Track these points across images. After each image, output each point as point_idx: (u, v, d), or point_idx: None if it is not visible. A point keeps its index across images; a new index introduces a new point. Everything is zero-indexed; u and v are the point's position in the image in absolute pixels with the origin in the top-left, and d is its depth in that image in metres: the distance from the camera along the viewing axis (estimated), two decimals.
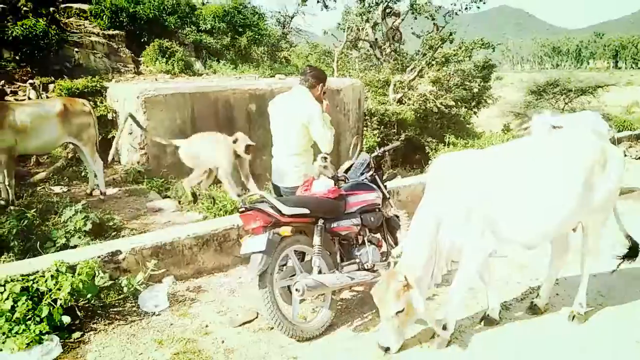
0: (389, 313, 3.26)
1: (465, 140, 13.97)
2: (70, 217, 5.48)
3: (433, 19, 16.62)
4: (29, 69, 9.31)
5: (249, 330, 3.65)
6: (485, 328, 3.72)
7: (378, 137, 13.75)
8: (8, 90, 8.73)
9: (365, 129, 13.79)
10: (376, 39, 16.64)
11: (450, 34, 15.81)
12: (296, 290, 3.38)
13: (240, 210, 3.53)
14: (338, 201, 3.82)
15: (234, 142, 5.82)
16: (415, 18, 17.33)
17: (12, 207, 5.90)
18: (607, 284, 4.39)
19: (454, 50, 15.55)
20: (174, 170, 7.83)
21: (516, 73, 55.14)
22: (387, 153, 4.64)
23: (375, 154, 4.46)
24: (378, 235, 4.24)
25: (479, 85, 19.68)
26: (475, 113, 21.63)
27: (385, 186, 4.46)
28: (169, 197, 7.08)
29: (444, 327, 3.48)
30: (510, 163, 3.54)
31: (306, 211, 3.55)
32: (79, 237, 5.17)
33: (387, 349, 3.30)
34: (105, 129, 8.39)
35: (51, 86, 9.03)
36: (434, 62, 15.33)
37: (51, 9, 10.31)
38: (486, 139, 13.91)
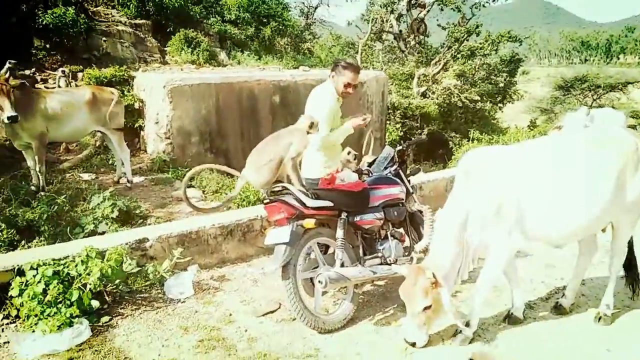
0: (417, 309, 3.26)
1: (489, 136, 13.83)
2: (98, 204, 5.61)
3: (459, 11, 16.39)
4: (58, 57, 9.50)
5: (271, 320, 3.70)
6: (508, 327, 3.70)
7: (401, 131, 13.70)
8: (38, 78, 8.92)
9: (388, 122, 13.73)
10: (400, 31, 16.50)
11: (477, 27, 15.60)
12: (319, 282, 3.42)
13: (264, 201, 3.56)
14: (361, 194, 3.82)
15: None
16: (442, 9, 17.13)
17: (42, 193, 6.03)
18: None
19: (480, 44, 15.32)
20: (199, 160, 7.93)
21: (543, 67, 54.05)
22: (410, 147, 4.61)
23: (399, 148, 4.44)
24: (401, 230, 4.23)
25: (504, 79, 19.43)
26: (500, 108, 21.37)
27: (409, 180, 4.45)
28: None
29: (467, 324, 3.48)
30: (541, 159, 3.49)
31: (330, 204, 3.57)
32: (107, 224, 5.29)
33: (413, 344, 3.32)
34: (132, 118, 8.53)
35: (80, 74, 9.20)
36: (459, 55, 15.14)
37: None
38: (512, 135, 13.73)
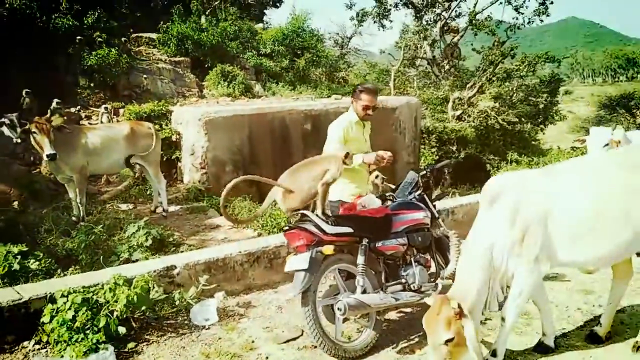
0: (438, 341, 3.16)
1: (529, 158, 13.50)
2: (133, 233, 5.79)
3: (493, 34, 16.28)
4: (101, 94, 10.02)
5: (293, 348, 3.68)
6: (538, 356, 3.55)
7: (436, 155, 13.58)
8: (83, 115, 9.42)
9: (422, 146, 13.65)
10: (434, 56, 16.51)
11: (512, 49, 15.42)
12: (338, 309, 3.40)
13: (284, 229, 3.60)
14: (383, 220, 3.81)
15: None
16: (475, 34, 17.07)
17: (82, 223, 6.30)
18: None
19: (516, 65, 15.12)
20: (233, 189, 8.09)
21: (587, 87, 52.54)
22: (435, 171, 4.58)
23: (423, 172, 4.42)
24: (427, 256, 4.17)
25: (545, 100, 19.05)
26: (542, 129, 20.87)
27: (434, 205, 4.40)
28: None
29: (494, 354, 3.36)
30: (569, 182, 3.39)
31: (349, 230, 3.57)
32: (141, 252, 5.45)
33: None
34: (169, 150, 8.85)
35: (121, 110, 9.66)
36: (494, 78, 14.97)
37: (123, 39, 11.03)
38: (552, 156, 13.36)
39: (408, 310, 4.29)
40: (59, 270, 4.66)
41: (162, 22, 13.14)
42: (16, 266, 4.37)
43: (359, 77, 21.30)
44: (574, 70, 71.84)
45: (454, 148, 14.43)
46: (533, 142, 17.99)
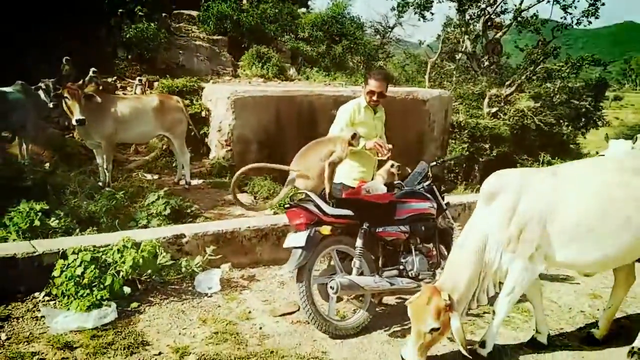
0: (424, 329, 3.21)
1: (562, 160, 13.17)
2: (153, 201, 5.99)
3: (538, 33, 15.81)
4: (138, 67, 10.29)
5: (287, 321, 3.78)
6: (529, 352, 3.54)
7: (466, 151, 13.38)
8: (118, 85, 9.71)
9: (453, 141, 13.48)
10: (474, 51, 16.17)
11: (555, 49, 14.94)
12: (330, 287, 3.47)
13: (285, 206, 3.68)
14: (386, 207, 3.84)
15: None
16: (520, 32, 16.60)
17: (107, 189, 6.54)
18: None
19: (559, 66, 14.67)
20: (253, 171, 8.24)
21: (638, 94, 50.44)
22: (446, 164, 4.56)
23: (434, 163, 4.41)
24: (430, 246, 4.19)
25: (589, 104, 18.46)
26: (583, 133, 20.25)
27: (442, 197, 4.40)
28: (246, 191, 7.46)
29: (482, 345, 3.37)
30: (570, 183, 3.34)
31: (349, 213, 3.63)
32: (159, 220, 5.64)
33: None
34: (198, 125, 9.03)
35: (156, 84, 9.90)
36: (534, 77, 14.58)
37: (163, 14, 11.26)
38: None
39: (407, 297, 4.31)
40: (77, 230, 4.89)
41: (203, 0, 13.31)
42: (37, 222, 4.60)
43: (398, 67, 21.12)
44: (627, 77, 69.06)
45: (487, 145, 14.18)
46: (571, 146, 17.49)
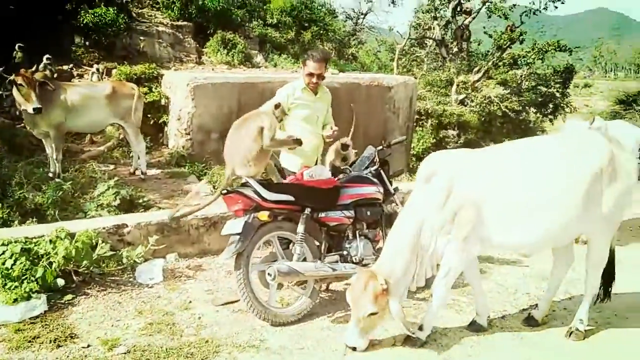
0: (363, 314, 3.18)
1: None
2: (102, 192, 5.82)
3: (506, 18, 15.87)
4: (96, 54, 9.97)
5: (228, 310, 3.71)
6: (469, 334, 3.54)
7: (433, 139, 13.41)
8: (75, 73, 9.40)
9: (420, 129, 13.49)
10: (443, 38, 16.17)
11: (520, 34, 15.01)
12: (268, 274, 3.40)
13: (222, 192, 3.58)
14: (329, 191, 3.77)
15: None
16: (489, 17, 16.65)
17: (57, 180, 6.33)
18: (632, 304, 4.01)
19: (525, 52, 14.76)
20: (216, 157, 8.09)
21: (608, 81, 51.38)
22: (391, 147, 4.51)
23: (380, 147, 4.36)
24: (376, 230, 4.15)
25: (557, 90, 18.68)
26: (550, 120, 20.52)
27: (390, 182, 4.36)
28: (201, 179, 7.33)
29: (420, 328, 3.35)
30: (506, 162, 3.34)
31: (290, 198, 3.55)
32: (108, 211, 5.48)
33: (354, 349, 3.23)
34: (157, 113, 8.83)
35: (114, 71, 9.62)
36: (500, 64, 14.65)
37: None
38: None
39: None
40: (16, 222, 4.71)
41: None
42: None
43: (370, 55, 21.03)
44: (597, 64, 70.16)
45: (454, 132, 14.25)
46: (538, 133, 17.71)
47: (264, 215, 3.44)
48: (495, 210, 3.22)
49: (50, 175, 6.57)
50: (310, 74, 4.12)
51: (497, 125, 14.80)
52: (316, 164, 4.23)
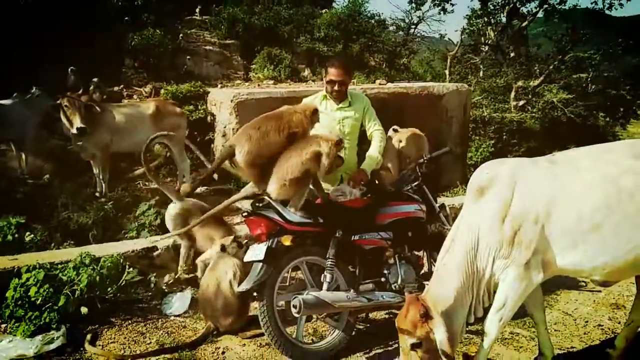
0: (405, 345, 2.79)
1: None
2: (143, 211, 5.75)
3: (566, 20, 14.92)
4: (145, 74, 10.15)
5: (255, 344, 3.42)
6: None
7: (492, 147, 12.70)
8: (125, 94, 9.58)
9: (477, 137, 12.84)
10: (498, 43, 15.42)
11: (583, 35, 14.00)
12: (293, 306, 3.06)
13: (243, 214, 3.31)
14: (362, 211, 3.42)
15: None
16: (547, 20, 15.74)
17: (103, 199, 6.34)
18: None
19: (589, 54, 13.76)
20: None
21: None
22: (434, 160, 4.09)
23: (422, 161, 3.96)
24: (420, 253, 3.75)
25: (627, 93, 17.42)
26: (622, 124, 19.17)
27: (435, 198, 3.95)
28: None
29: None
30: (571, 172, 2.84)
31: (317, 220, 3.22)
32: (148, 231, 5.38)
33: None
34: (203, 131, 8.80)
35: (162, 91, 9.73)
36: (563, 67, 13.72)
37: (167, 21, 11.14)
38: None
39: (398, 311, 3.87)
40: (52, 244, 4.66)
41: (214, 5, 13.17)
42: (9, 237, 4.39)
43: (423, 64, 20.47)
44: None
45: (514, 140, 13.46)
46: (609, 138, 16.51)
47: (287, 240, 3.13)
48: (560, 228, 2.74)
49: (97, 195, 6.61)
50: (331, 81, 3.80)
51: (562, 131, 13.85)
52: (341, 181, 3.86)
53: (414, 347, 2.75)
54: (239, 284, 3.32)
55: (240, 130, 3.29)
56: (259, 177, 3.22)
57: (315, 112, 3.41)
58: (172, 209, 4.17)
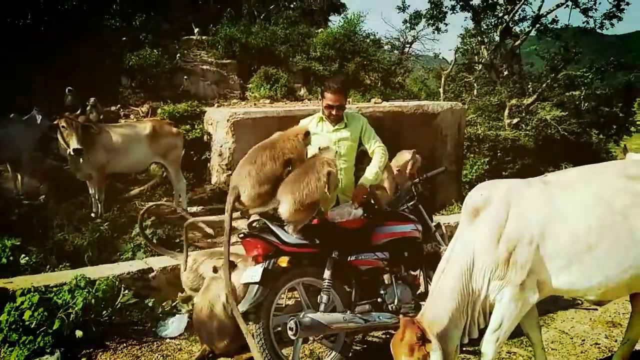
0: None
1: None
2: (138, 232, 5.73)
3: (558, 39, 15.16)
4: (142, 94, 10.21)
5: None
6: None
7: (486, 165, 12.78)
8: (122, 114, 9.62)
9: (472, 155, 12.93)
10: (492, 61, 15.62)
11: (576, 54, 14.20)
12: (289, 328, 3.04)
13: (239, 236, 3.32)
14: (359, 232, 3.43)
15: None
16: (539, 39, 15.99)
17: (98, 220, 6.33)
18: None
19: (582, 72, 13.95)
20: None
21: None
22: (429, 180, 4.12)
23: (417, 180, 3.98)
24: (416, 273, 3.75)
25: (620, 110, 17.64)
26: (615, 141, 19.37)
27: (430, 218, 3.97)
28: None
29: None
30: (564, 193, 2.88)
31: (313, 241, 3.23)
32: (144, 252, 5.36)
33: None
34: (200, 150, 8.83)
35: (159, 110, 9.78)
36: (556, 85, 13.90)
37: (164, 42, 11.25)
38: None
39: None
40: (47, 267, 4.64)
41: (211, 25, 13.31)
42: (4, 260, 4.37)
43: (418, 83, 20.67)
44: None
45: (509, 158, 13.57)
46: (603, 155, 16.65)
47: (283, 261, 3.13)
48: (554, 249, 2.77)
49: (93, 215, 6.59)
50: (329, 106, 3.84)
51: (556, 148, 13.97)
52: (337, 202, 3.87)
53: None
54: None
55: (239, 168, 3.32)
56: (262, 205, 3.23)
57: (307, 135, 3.45)
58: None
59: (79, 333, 3.48)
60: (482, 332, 2.91)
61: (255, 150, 3.34)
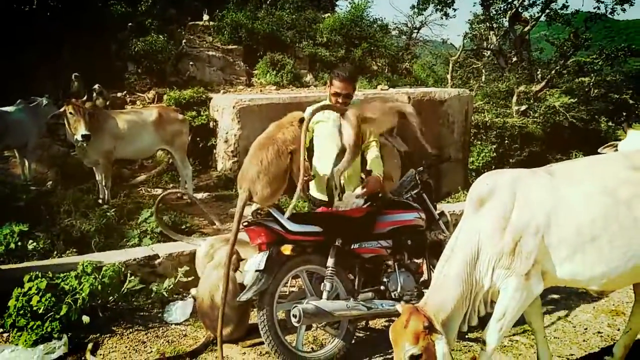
0: (402, 357, 2.80)
1: None
2: (145, 218, 5.78)
3: (569, 25, 14.93)
4: (148, 80, 10.21)
5: (255, 352, 3.44)
6: None
7: (493, 152, 12.71)
8: (128, 100, 9.64)
9: (479, 142, 12.87)
10: (500, 48, 15.44)
11: (586, 40, 14.00)
12: (293, 315, 3.08)
13: (243, 224, 3.34)
14: (362, 220, 3.43)
15: None
16: (549, 25, 15.77)
17: (105, 206, 6.38)
18: None
19: (591, 58, 13.77)
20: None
21: None
22: (433, 168, 4.11)
23: (421, 169, 3.97)
24: (420, 261, 3.76)
25: (630, 97, 17.43)
26: (624, 128, 19.13)
27: (434, 205, 3.97)
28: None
29: None
30: (568, 183, 2.87)
31: (316, 229, 3.24)
32: (150, 239, 5.40)
33: None
34: (206, 137, 8.84)
35: (165, 96, 9.78)
36: (565, 72, 13.72)
37: (170, 27, 11.21)
38: None
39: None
40: (55, 252, 4.70)
41: (217, 10, 13.23)
42: (12, 246, 4.43)
43: (425, 69, 20.50)
44: None
45: (516, 145, 13.48)
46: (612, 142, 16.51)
47: (287, 249, 3.16)
48: (559, 239, 2.77)
49: (100, 201, 6.64)
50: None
51: (564, 136, 13.86)
52: (343, 190, 3.85)
53: (413, 358, 2.76)
54: (234, 293, 3.34)
55: (245, 170, 3.37)
56: (275, 200, 3.35)
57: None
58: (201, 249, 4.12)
59: (86, 319, 3.53)
60: (481, 320, 2.93)
61: (259, 149, 3.37)
